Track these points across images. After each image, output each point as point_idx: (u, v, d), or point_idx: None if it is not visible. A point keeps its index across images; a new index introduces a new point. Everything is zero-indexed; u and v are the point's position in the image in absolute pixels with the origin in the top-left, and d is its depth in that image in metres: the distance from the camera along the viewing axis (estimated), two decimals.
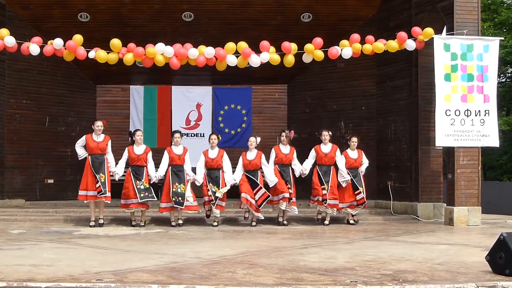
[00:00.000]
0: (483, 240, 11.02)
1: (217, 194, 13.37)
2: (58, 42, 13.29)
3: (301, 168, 13.83)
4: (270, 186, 13.64)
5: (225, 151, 13.93)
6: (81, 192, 13.41)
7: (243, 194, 13.43)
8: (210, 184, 13.48)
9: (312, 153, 14.01)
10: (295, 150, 14.01)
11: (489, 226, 13.75)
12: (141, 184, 13.30)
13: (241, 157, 13.86)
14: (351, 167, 14.12)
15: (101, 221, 13.51)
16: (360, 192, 13.93)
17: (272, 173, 13.69)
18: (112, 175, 13.49)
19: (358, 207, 14.18)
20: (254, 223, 13.76)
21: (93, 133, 13.53)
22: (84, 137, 13.58)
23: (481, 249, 9.44)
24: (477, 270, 7.54)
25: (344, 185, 13.94)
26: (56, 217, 14.87)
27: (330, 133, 14.18)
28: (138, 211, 13.60)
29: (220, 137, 14.10)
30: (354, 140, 14.28)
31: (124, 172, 13.65)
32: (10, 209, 16.29)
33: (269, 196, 13.47)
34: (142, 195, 13.21)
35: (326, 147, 14.03)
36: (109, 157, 13.57)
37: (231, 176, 13.68)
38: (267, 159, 13.86)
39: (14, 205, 17.01)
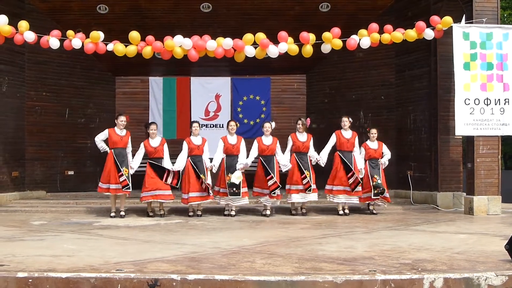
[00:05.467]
0: (503, 229, 10.98)
1: (232, 180, 13.41)
2: (76, 43, 13.39)
3: (316, 157, 13.86)
4: (283, 170, 13.74)
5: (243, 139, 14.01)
6: (102, 185, 13.48)
7: (254, 189, 13.79)
8: (229, 175, 13.51)
9: (333, 138, 14.02)
10: (312, 138, 14.02)
11: (509, 215, 13.68)
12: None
13: (256, 142, 13.87)
14: (371, 157, 14.11)
15: (122, 213, 13.56)
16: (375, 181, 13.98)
17: (286, 158, 13.79)
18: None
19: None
20: (268, 212, 13.80)
21: (116, 127, 13.61)
22: (106, 131, 13.64)
23: (501, 238, 9.40)
24: (496, 259, 7.51)
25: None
26: (76, 208, 14.98)
27: (351, 119, 14.17)
28: (156, 202, 13.72)
29: (238, 124, 14.13)
30: (374, 132, 14.24)
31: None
32: (31, 200, 16.43)
33: (279, 186, 13.49)
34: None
35: (347, 133, 14.03)
36: (129, 151, 13.69)
37: (244, 159, 13.72)
38: (284, 147, 13.92)
39: (35, 196, 17.15)
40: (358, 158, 13.98)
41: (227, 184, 13.41)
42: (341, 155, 13.92)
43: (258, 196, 13.78)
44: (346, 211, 14.04)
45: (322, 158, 13.90)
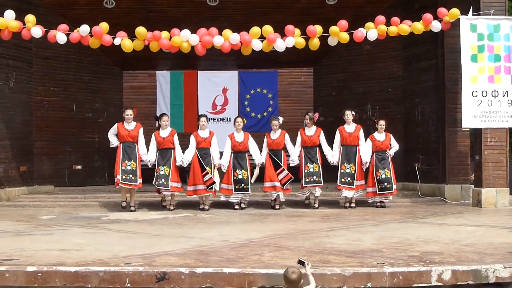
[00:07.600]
0: (511, 221, 10.97)
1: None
2: (84, 29, 13.37)
3: (330, 160, 13.91)
4: (291, 165, 13.78)
5: (250, 134, 14.01)
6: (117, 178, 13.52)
7: (266, 184, 13.70)
8: (237, 171, 13.55)
9: (337, 135, 14.02)
10: (322, 132, 14.02)
11: None
12: (162, 170, 13.42)
13: (265, 137, 13.98)
14: (378, 149, 14.09)
15: (132, 208, 13.57)
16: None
17: (295, 153, 13.84)
18: (143, 161, 13.62)
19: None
20: (278, 206, 13.79)
21: (124, 121, 13.65)
22: (115, 125, 13.74)
23: (509, 230, 9.42)
24: (504, 251, 7.52)
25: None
26: (84, 203, 15.03)
27: (354, 112, 14.18)
28: (168, 195, 13.72)
29: (245, 121, 14.16)
30: (382, 123, 14.21)
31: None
32: (40, 195, 16.48)
33: (292, 178, 13.56)
34: (157, 182, 13.39)
35: (349, 127, 14.03)
36: (140, 144, 13.67)
37: (259, 158, 13.77)
38: (294, 142, 13.94)
39: (44, 191, 17.17)
40: (364, 151, 13.96)
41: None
42: (343, 149, 13.93)
43: (270, 192, 13.74)
44: (353, 204, 14.05)
45: (335, 157, 13.92)
